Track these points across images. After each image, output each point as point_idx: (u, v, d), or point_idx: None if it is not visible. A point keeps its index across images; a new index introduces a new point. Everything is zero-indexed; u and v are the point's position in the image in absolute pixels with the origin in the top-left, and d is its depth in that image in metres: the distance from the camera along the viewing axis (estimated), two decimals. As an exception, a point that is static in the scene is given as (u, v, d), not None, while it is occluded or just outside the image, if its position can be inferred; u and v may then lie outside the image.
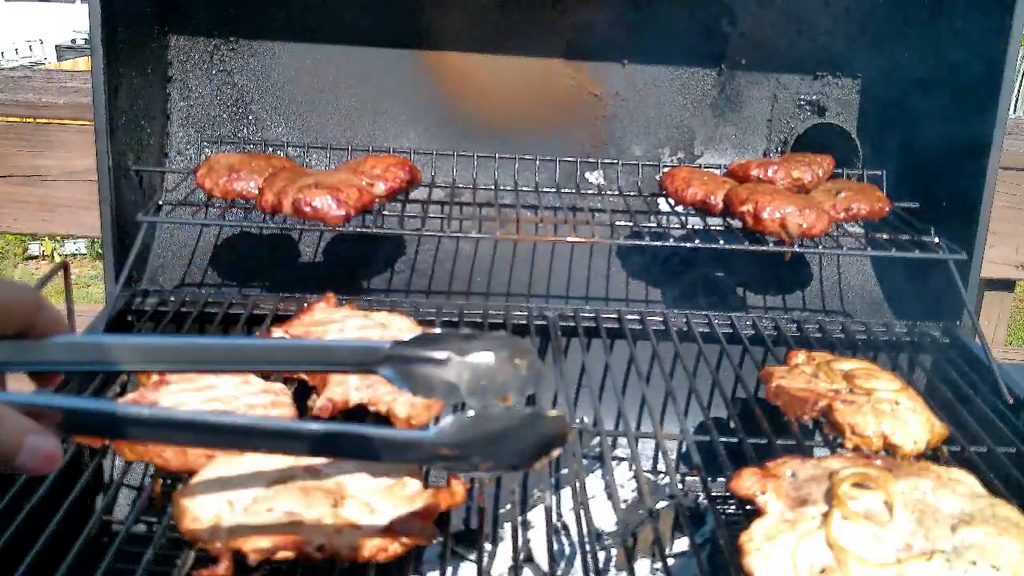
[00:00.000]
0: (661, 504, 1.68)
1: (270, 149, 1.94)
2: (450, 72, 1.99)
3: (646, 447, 1.89)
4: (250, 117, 1.98)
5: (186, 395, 1.20)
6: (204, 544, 0.95)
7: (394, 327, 1.45)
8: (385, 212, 1.69)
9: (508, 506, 1.69)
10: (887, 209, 1.78)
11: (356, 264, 1.99)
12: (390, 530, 0.98)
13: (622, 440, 1.70)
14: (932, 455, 1.27)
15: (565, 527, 1.63)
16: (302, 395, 1.31)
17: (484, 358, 0.68)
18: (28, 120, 2.21)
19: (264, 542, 0.93)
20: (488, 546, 1.66)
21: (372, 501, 1.01)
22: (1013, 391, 1.53)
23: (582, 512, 1.17)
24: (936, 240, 1.72)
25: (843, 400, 1.28)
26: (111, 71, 1.64)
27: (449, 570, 1.62)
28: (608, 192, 2.00)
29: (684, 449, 1.95)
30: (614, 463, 1.76)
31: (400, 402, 1.26)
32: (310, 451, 0.68)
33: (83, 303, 3.49)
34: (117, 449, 1.14)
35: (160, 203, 1.76)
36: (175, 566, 0.97)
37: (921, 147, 1.95)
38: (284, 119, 1.99)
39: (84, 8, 1.62)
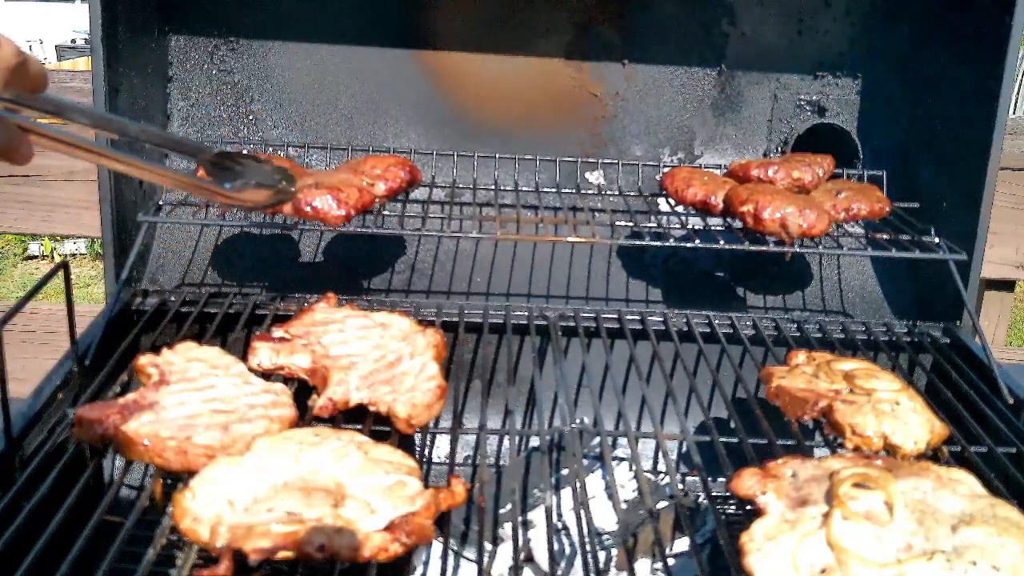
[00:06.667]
0: (661, 504, 1.68)
1: (270, 149, 1.94)
2: (450, 72, 1.99)
3: (646, 447, 1.89)
4: (250, 117, 1.98)
5: (186, 395, 1.20)
6: (204, 544, 0.95)
7: (394, 327, 1.45)
8: (385, 212, 1.69)
9: (508, 506, 1.70)
10: (887, 209, 1.78)
11: (356, 264, 1.99)
12: (390, 530, 0.98)
13: (622, 440, 1.70)
14: (932, 455, 1.27)
15: (565, 527, 1.64)
16: (302, 395, 1.32)
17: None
18: (28, 120, 2.21)
19: (264, 542, 0.93)
20: (488, 546, 1.67)
21: (372, 501, 1.01)
22: (1013, 391, 1.53)
23: (582, 512, 1.17)
24: (936, 240, 1.72)
25: (843, 400, 1.28)
26: (111, 71, 1.64)
27: (449, 570, 1.62)
28: (608, 192, 2.00)
29: (684, 449, 1.95)
30: (614, 463, 1.76)
31: (400, 402, 1.26)
32: None
33: (83, 303, 3.49)
34: (117, 449, 1.14)
35: (160, 203, 1.76)
36: (175, 566, 0.97)
37: (921, 147, 1.96)
38: (284, 119, 1.99)
39: (84, 8, 1.62)
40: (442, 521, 1.09)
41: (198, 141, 1.09)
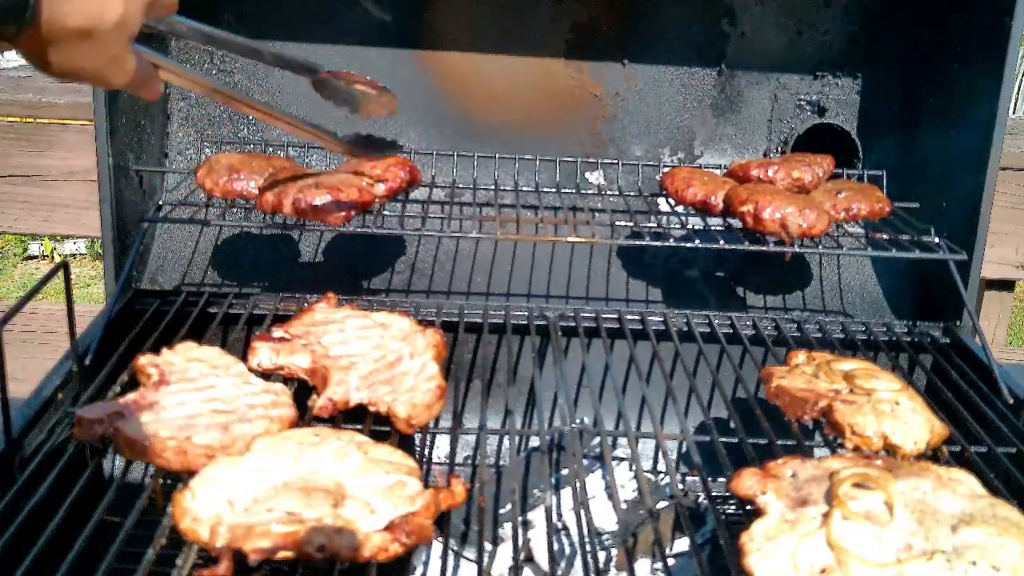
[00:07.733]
0: (661, 504, 1.68)
1: (270, 149, 1.94)
2: (450, 72, 1.99)
3: (646, 447, 1.89)
4: (250, 117, 1.98)
5: (186, 394, 1.20)
6: (204, 544, 0.95)
7: (394, 327, 1.45)
8: (385, 212, 1.69)
9: (508, 506, 1.70)
10: (887, 209, 1.78)
11: (356, 264, 1.99)
12: (390, 530, 0.98)
13: (622, 440, 1.70)
14: (932, 455, 1.27)
15: (565, 527, 1.64)
16: (302, 395, 1.32)
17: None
18: (28, 120, 2.21)
19: (264, 542, 0.93)
20: (488, 546, 1.67)
21: (372, 501, 1.01)
22: (1013, 391, 1.53)
23: (582, 512, 1.17)
24: (936, 240, 1.72)
25: (843, 400, 1.28)
26: (111, 71, 1.63)
27: (449, 570, 1.62)
28: (608, 192, 2.00)
29: (684, 449, 1.95)
30: (614, 463, 1.76)
31: (400, 402, 1.26)
32: None
33: (83, 303, 3.49)
34: (117, 449, 1.14)
35: (160, 203, 1.76)
36: (175, 566, 0.97)
37: (921, 147, 1.95)
38: (284, 119, 1.99)
39: (84, 8, 1.61)
40: (442, 521, 1.09)
41: (311, 62, 1.27)
